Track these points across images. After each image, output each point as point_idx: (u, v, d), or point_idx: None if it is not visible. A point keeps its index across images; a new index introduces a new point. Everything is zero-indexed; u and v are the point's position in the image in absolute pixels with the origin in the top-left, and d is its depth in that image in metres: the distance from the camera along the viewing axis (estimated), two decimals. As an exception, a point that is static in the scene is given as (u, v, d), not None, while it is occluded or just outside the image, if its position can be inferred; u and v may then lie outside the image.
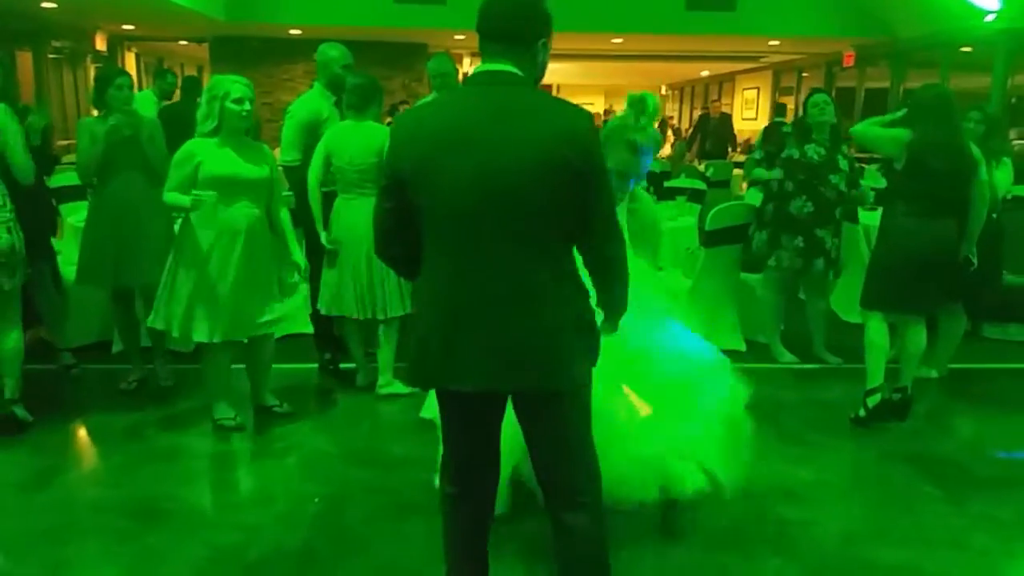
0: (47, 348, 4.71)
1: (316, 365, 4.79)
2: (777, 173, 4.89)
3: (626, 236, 2.43)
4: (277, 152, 4.33)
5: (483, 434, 2.24)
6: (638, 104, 2.83)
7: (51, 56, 11.44)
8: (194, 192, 3.58)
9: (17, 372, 3.84)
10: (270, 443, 3.88)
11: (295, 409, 4.17)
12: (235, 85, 3.68)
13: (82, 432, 4.07)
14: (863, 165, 5.06)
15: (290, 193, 4.51)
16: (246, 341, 3.89)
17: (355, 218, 4.14)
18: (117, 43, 13.32)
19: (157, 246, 4.11)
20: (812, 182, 4.76)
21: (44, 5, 9.68)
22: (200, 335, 3.73)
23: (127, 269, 4.14)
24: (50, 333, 4.71)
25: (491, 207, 1.93)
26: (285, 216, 3.95)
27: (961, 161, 3.92)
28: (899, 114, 4.24)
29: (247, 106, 3.69)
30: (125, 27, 12.27)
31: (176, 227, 3.96)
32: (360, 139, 4.13)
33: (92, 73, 12.98)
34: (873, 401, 4.13)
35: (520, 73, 2.01)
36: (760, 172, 5.06)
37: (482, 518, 2.34)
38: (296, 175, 4.42)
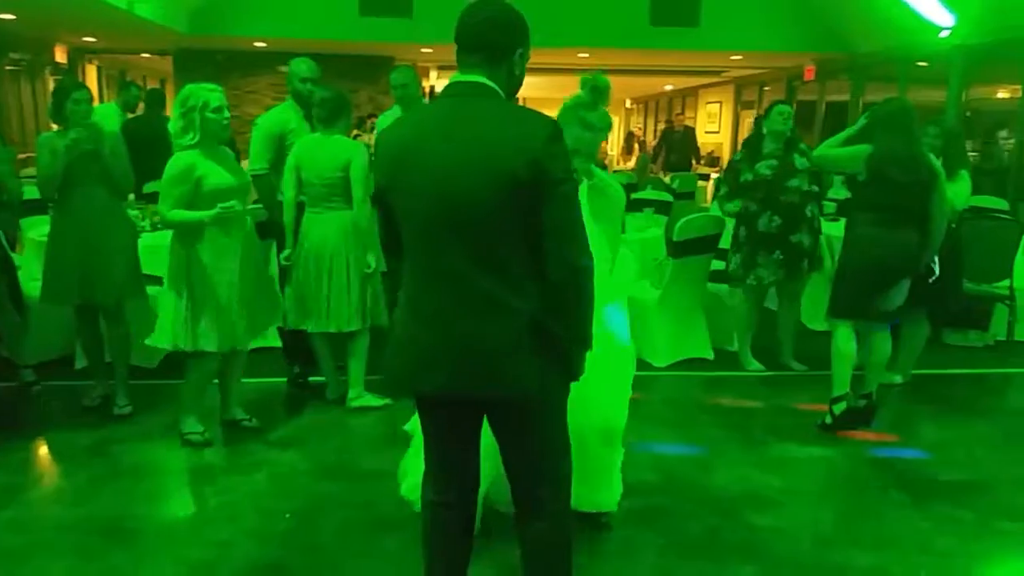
0: (6, 365, 4.60)
1: (285, 379, 4.74)
2: (735, 205, 4.97)
3: (587, 213, 2.42)
4: (244, 163, 4.32)
5: (458, 442, 2.23)
6: (590, 83, 2.98)
7: (8, 68, 11.22)
8: (221, 205, 3.55)
9: None
10: (239, 458, 3.83)
11: (264, 424, 4.13)
12: (212, 94, 3.65)
13: (44, 449, 3.98)
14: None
15: (259, 205, 4.49)
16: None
17: (322, 231, 4.13)
18: (78, 55, 13.09)
19: (121, 260, 4.06)
20: (771, 195, 4.85)
21: (1, 16, 9.50)
22: (209, 345, 3.70)
23: (91, 285, 4.05)
24: (9, 350, 4.60)
25: (447, 219, 1.97)
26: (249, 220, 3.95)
27: (921, 172, 4.02)
28: (855, 128, 4.35)
29: (226, 114, 3.68)
30: (86, 39, 12.07)
31: (148, 241, 3.92)
32: (328, 153, 4.11)
33: (51, 86, 12.77)
34: (839, 408, 4.19)
35: (491, 84, 2.02)
36: (729, 207, 5.07)
37: (463, 530, 2.31)
38: (263, 184, 4.43)
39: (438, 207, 1.97)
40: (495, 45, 2.02)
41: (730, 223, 5.19)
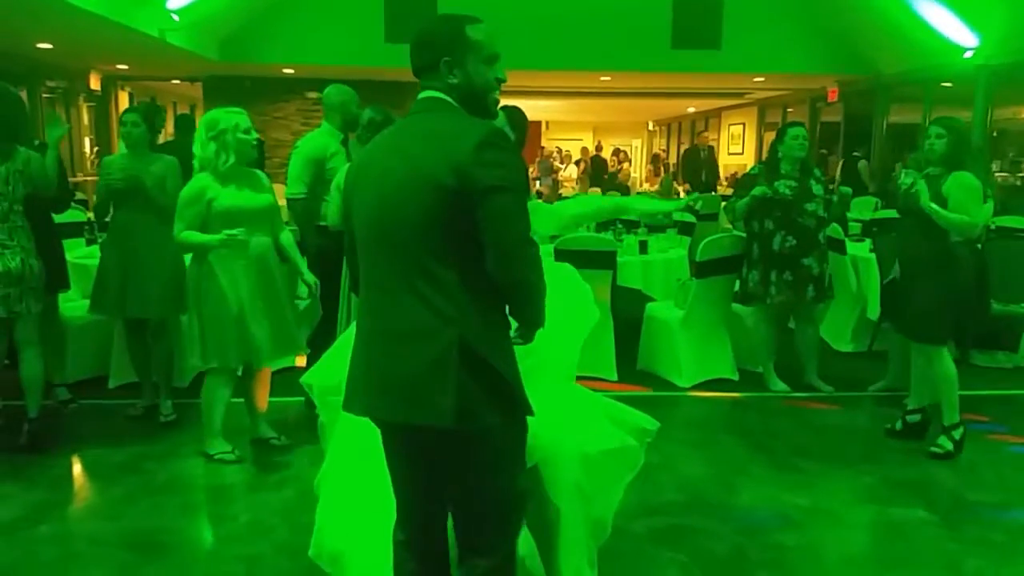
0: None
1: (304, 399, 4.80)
2: (743, 205, 4.98)
3: None
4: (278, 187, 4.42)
5: (402, 471, 2.08)
6: None
7: (45, 96, 11.53)
8: (226, 232, 3.64)
9: (41, 393, 4.12)
10: (269, 475, 3.89)
11: (293, 441, 4.19)
12: (241, 116, 3.78)
13: (79, 466, 4.07)
14: (844, 193, 5.13)
15: (294, 227, 4.62)
16: (253, 370, 4.00)
17: None
18: (111, 83, 13.43)
19: (162, 279, 4.25)
20: (789, 216, 4.87)
21: (39, 46, 9.78)
22: (216, 360, 3.79)
23: (133, 300, 4.25)
24: (48, 368, 4.71)
25: (380, 236, 1.94)
26: (288, 238, 4.04)
27: None
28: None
29: (254, 135, 3.82)
30: (119, 66, 12.39)
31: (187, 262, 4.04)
32: None
33: (85, 112, 13.08)
34: (959, 433, 4.17)
35: (444, 97, 1.97)
36: (739, 205, 5.08)
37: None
38: (299, 207, 4.51)
39: (374, 225, 1.95)
40: (425, 63, 2.00)
41: None
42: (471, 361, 1.86)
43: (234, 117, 3.76)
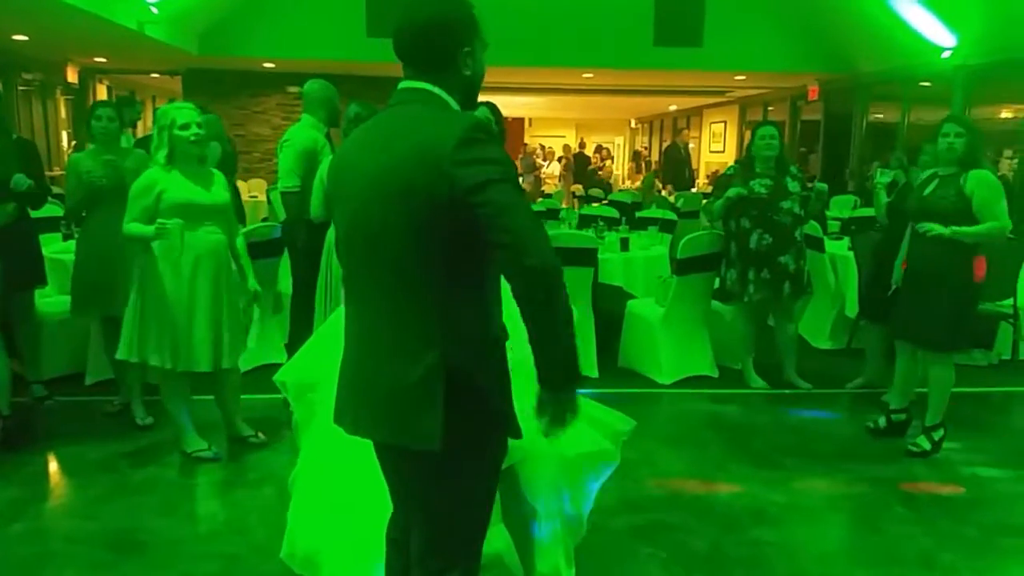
0: (18, 380, 4.65)
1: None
2: (719, 207, 4.99)
3: None
4: (249, 184, 4.40)
5: (396, 481, 2.00)
6: None
7: (21, 88, 11.38)
8: (159, 221, 3.59)
9: (8, 390, 4.08)
10: (247, 473, 3.87)
11: (271, 439, 4.16)
12: (180, 112, 3.71)
13: (55, 463, 4.03)
14: (820, 189, 5.14)
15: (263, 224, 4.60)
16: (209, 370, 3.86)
17: None
18: (89, 76, 13.26)
19: None
20: (766, 214, 4.89)
21: (15, 38, 9.65)
22: (154, 359, 3.71)
23: (113, 298, 4.14)
24: (23, 365, 4.66)
25: (361, 242, 1.80)
26: (241, 242, 3.99)
27: None
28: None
29: (194, 130, 3.68)
30: (97, 59, 12.24)
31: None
32: None
33: (63, 105, 12.92)
34: (939, 435, 4.20)
35: (436, 90, 1.80)
36: (716, 205, 5.11)
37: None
38: (294, 200, 4.49)
39: (354, 229, 1.81)
40: (439, 49, 1.79)
41: None
42: (457, 380, 1.73)
43: (173, 113, 3.69)
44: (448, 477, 1.82)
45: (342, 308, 2.06)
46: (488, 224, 1.64)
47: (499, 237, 1.64)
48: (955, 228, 3.91)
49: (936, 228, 3.94)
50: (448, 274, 1.72)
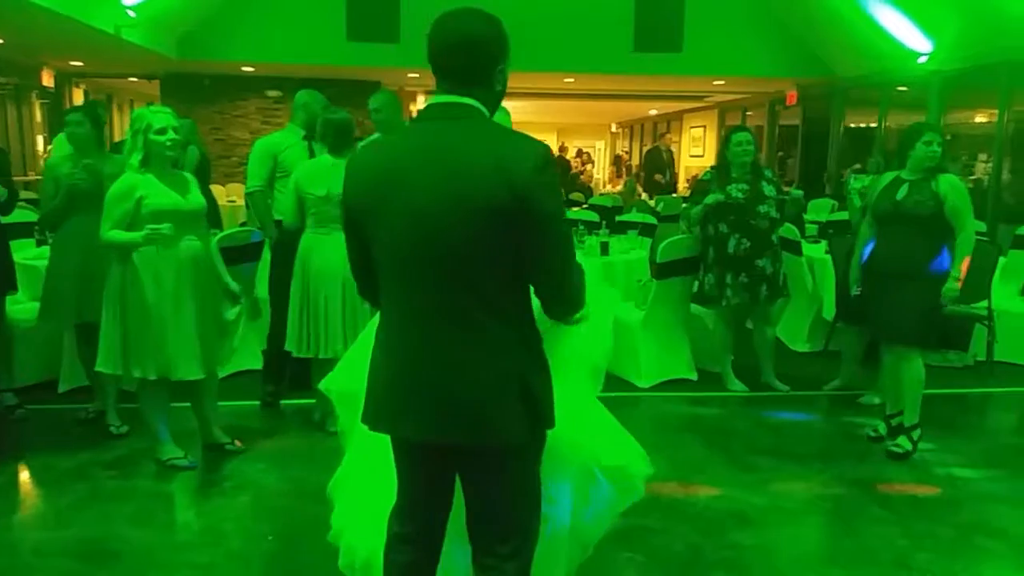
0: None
1: (259, 403, 4.74)
2: (698, 211, 5.02)
3: None
4: (228, 188, 4.38)
5: (431, 481, 2.10)
6: None
7: (-5, 92, 11.28)
8: (148, 227, 3.52)
9: None
10: (221, 481, 3.83)
11: (247, 446, 4.12)
12: (156, 116, 3.64)
13: (26, 473, 3.97)
14: (796, 196, 5.17)
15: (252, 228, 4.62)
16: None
17: (332, 252, 3.99)
18: (65, 80, 13.14)
19: None
20: (743, 219, 4.92)
21: (-11, 41, 9.55)
22: (139, 371, 3.64)
23: (87, 305, 4.03)
24: (-4, 372, 4.59)
25: (423, 253, 1.83)
26: (214, 245, 3.96)
27: None
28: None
29: (170, 135, 3.62)
30: (73, 63, 12.13)
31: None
32: (340, 172, 4.11)
33: (38, 110, 12.78)
34: (917, 435, 4.24)
35: (476, 105, 1.86)
36: (694, 211, 5.13)
37: (420, 570, 2.14)
38: (258, 200, 4.65)
39: (418, 246, 1.83)
40: (477, 64, 1.85)
41: None
42: (525, 383, 1.90)
43: (149, 117, 3.62)
44: (515, 470, 1.99)
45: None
46: (544, 252, 1.83)
47: (547, 266, 1.85)
48: (955, 276, 4.11)
49: (954, 290, 4.13)
50: (513, 284, 1.87)
